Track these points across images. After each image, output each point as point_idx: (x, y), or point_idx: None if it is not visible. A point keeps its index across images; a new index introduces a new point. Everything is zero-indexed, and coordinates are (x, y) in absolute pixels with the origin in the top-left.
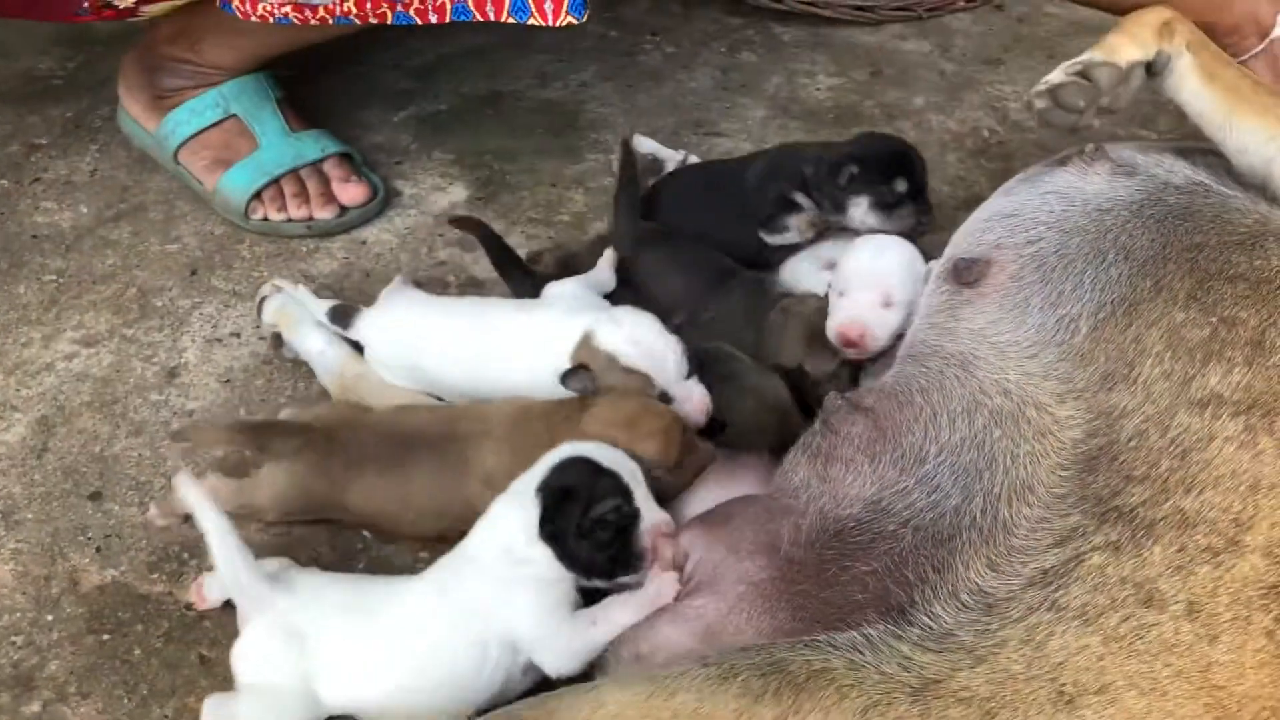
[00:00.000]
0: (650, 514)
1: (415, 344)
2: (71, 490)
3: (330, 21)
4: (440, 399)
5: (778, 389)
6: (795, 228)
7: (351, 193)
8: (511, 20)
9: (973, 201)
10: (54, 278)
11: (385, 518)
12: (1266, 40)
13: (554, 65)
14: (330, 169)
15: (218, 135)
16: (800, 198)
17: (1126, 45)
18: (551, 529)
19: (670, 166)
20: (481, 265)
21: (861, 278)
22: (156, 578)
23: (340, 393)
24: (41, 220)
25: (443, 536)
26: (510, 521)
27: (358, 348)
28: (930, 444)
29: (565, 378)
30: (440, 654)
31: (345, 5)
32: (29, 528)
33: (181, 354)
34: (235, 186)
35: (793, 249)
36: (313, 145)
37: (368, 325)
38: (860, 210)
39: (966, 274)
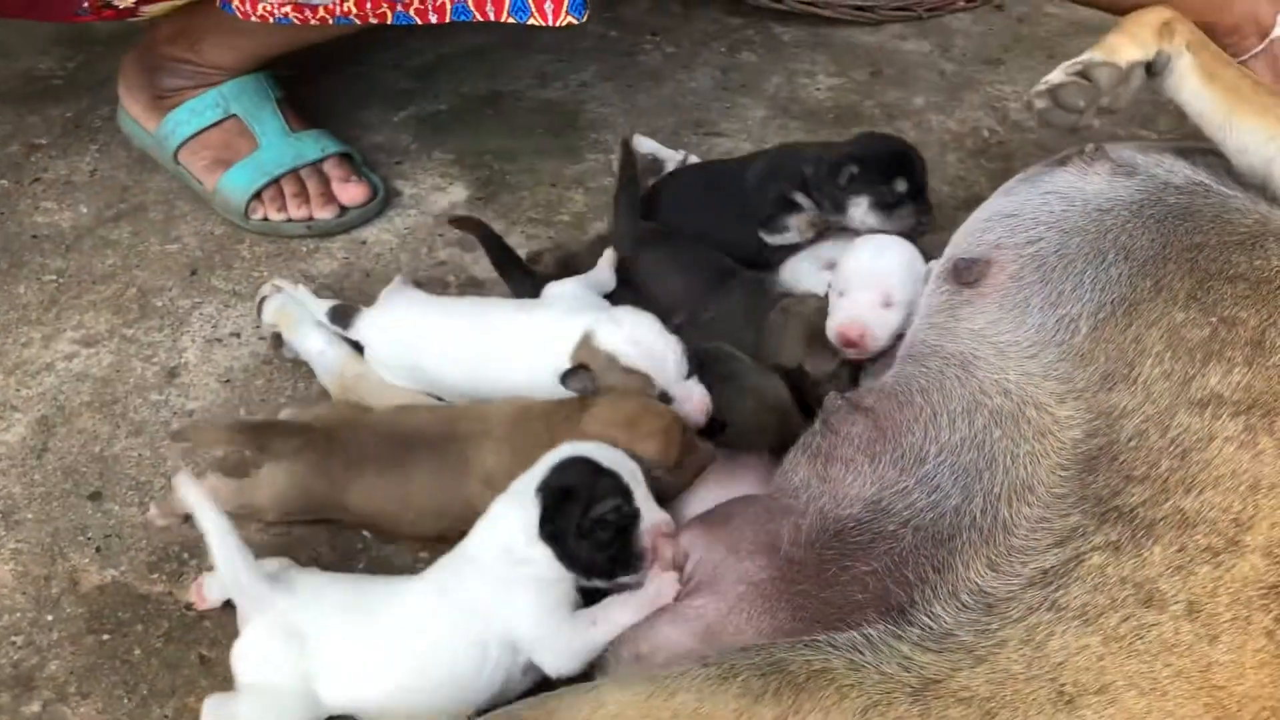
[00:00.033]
0: (650, 514)
1: (415, 344)
2: (71, 490)
3: (330, 22)
4: (440, 399)
5: (778, 389)
6: (795, 228)
7: (351, 193)
8: (511, 20)
9: (973, 201)
10: (54, 278)
11: (385, 518)
12: (1266, 40)
13: (554, 65)
14: (330, 169)
15: (218, 135)
16: (800, 197)
17: (1126, 45)
18: (551, 529)
19: (670, 166)
20: (481, 265)
21: (861, 278)
22: (156, 578)
23: (340, 393)
24: (41, 220)
25: (443, 537)
26: (510, 521)
27: (358, 348)
28: (930, 444)
29: (565, 378)
30: (440, 654)
31: (345, 5)
32: (29, 528)
33: (181, 354)
34: (235, 186)
35: (793, 249)
36: (313, 145)
37: (368, 325)
38: (860, 210)
39: (966, 274)
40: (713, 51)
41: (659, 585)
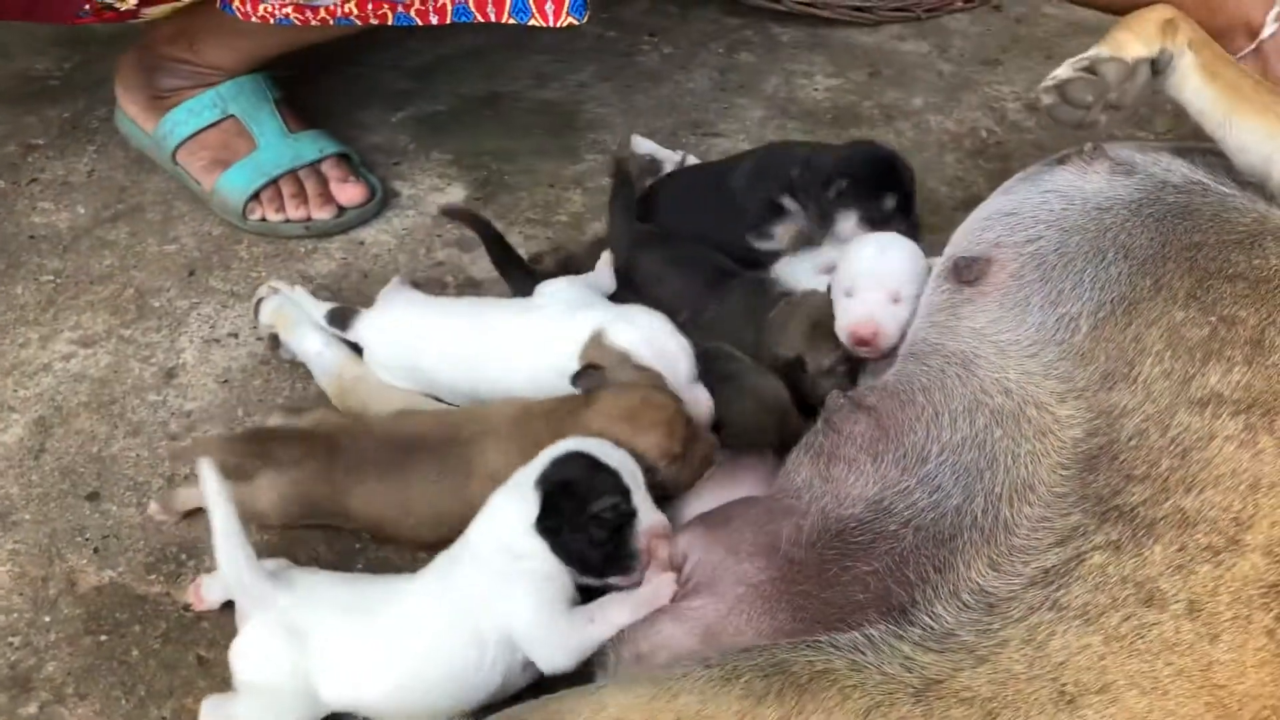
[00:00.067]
0: (647, 515)
1: (414, 344)
2: (69, 491)
3: (331, 23)
4: (439, 400)
5: (777, 389)
6: (780, 237)
7: (349, 193)
8: (512, 21)
9: (971, 202)
10: (51, 278)
11: (386, 523)
12: (1256, 41)
13: (552, 66)
14: (328, 169)
15: (216, 135)
16: (787, 201)
17: (1132, 41)
18: (548, 523)
19: (669, 167)
20: (479, 265)
21: (868, 276)
22: (154, 578)
23: (338, 394)
24: (39, 221)
25: (443, 542)
26: (508, 514)
27: (356, 349)
28: (932, 443)
29: (576, 378)
30: (439, 650)
31: (347, 6)
32: (26, 528)
33: (179, 354)
34: (233, 187)
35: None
36: (311, 146)
37: (366, 326)
38: (849, 225)
39: (967, 272)
40: (711, 52)
41: (656, 586)
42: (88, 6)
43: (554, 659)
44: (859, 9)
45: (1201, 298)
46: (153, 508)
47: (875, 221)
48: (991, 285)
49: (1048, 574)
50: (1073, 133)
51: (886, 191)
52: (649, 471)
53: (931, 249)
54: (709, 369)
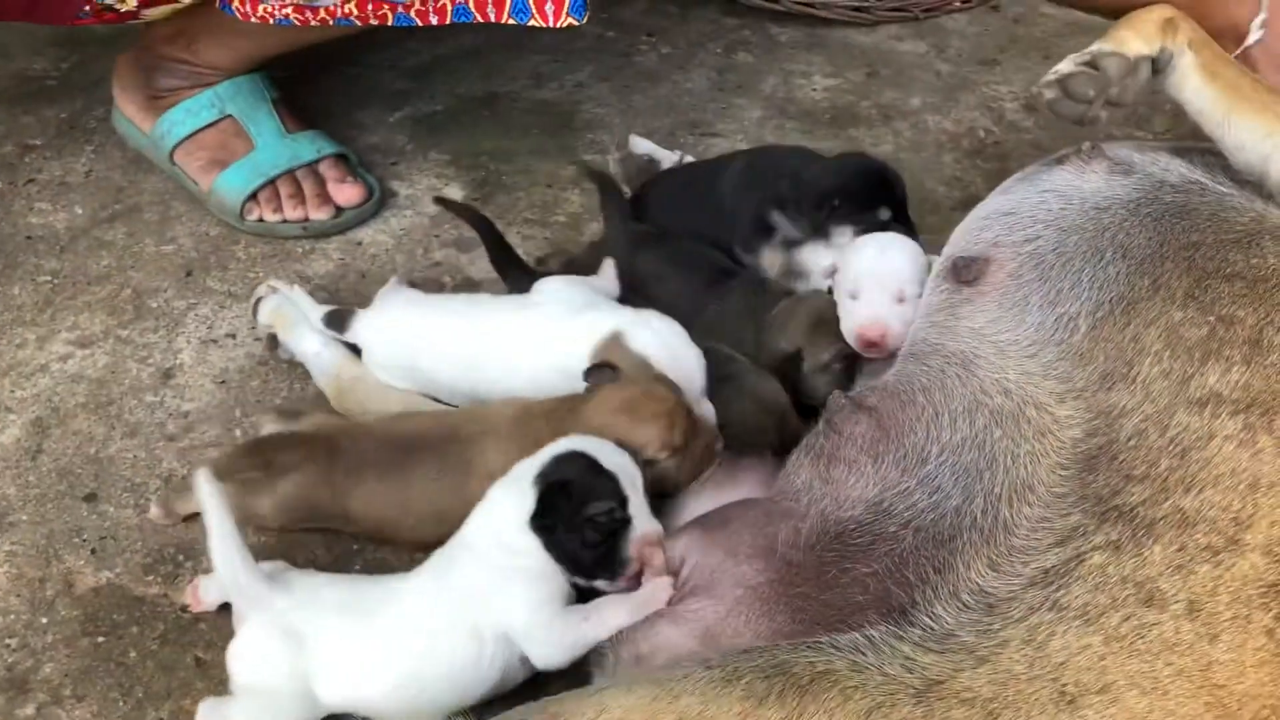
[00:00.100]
0: (642, 523)
1: (413, 343)
2: (66, 492)
3: (331, 23)
4: (439, 401)
5: (775, 390)
6: (769, 263)
7: (347, 193)
8: (512, 22)
9: (969, 202)
10: (49, 279)
11: (386, 524)
12: (1241, 47)
13: (550, 66)
14: (326, 170)
15: (213, 136)
16: (777, 218)
17: (1133, 39)
18: (543, 520)
19: (666, 167)
20: (477, 266)
21: (872, 277)
22: (152, 580)
23: (337, 395)
24: (36, 221)
25: (441, 543)
26: (506, 508)
27: (355, 350)
28: (932, 444)
29: (588, 374)
30: (438, 647)
31: (347, 7)
32: (23, 529)
33: (177, 355)
34: (231, 187)
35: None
36: (308, 146)
37: (364, 326)
38: (845, 240)
39: (965, 272)
40: (709, 52)
41: (653, 589)
42: (88, 8)
43: (548, 655)
44: (857, 9)
45: (1200, 297)
46: (154, 511)
47: (872, 231)
48: (990, 285)
49: (1047, 574)
50: (1072, 130)
51: (880, 204)
52: (648, 464)
53: (930, 249)
54: (707, 369)
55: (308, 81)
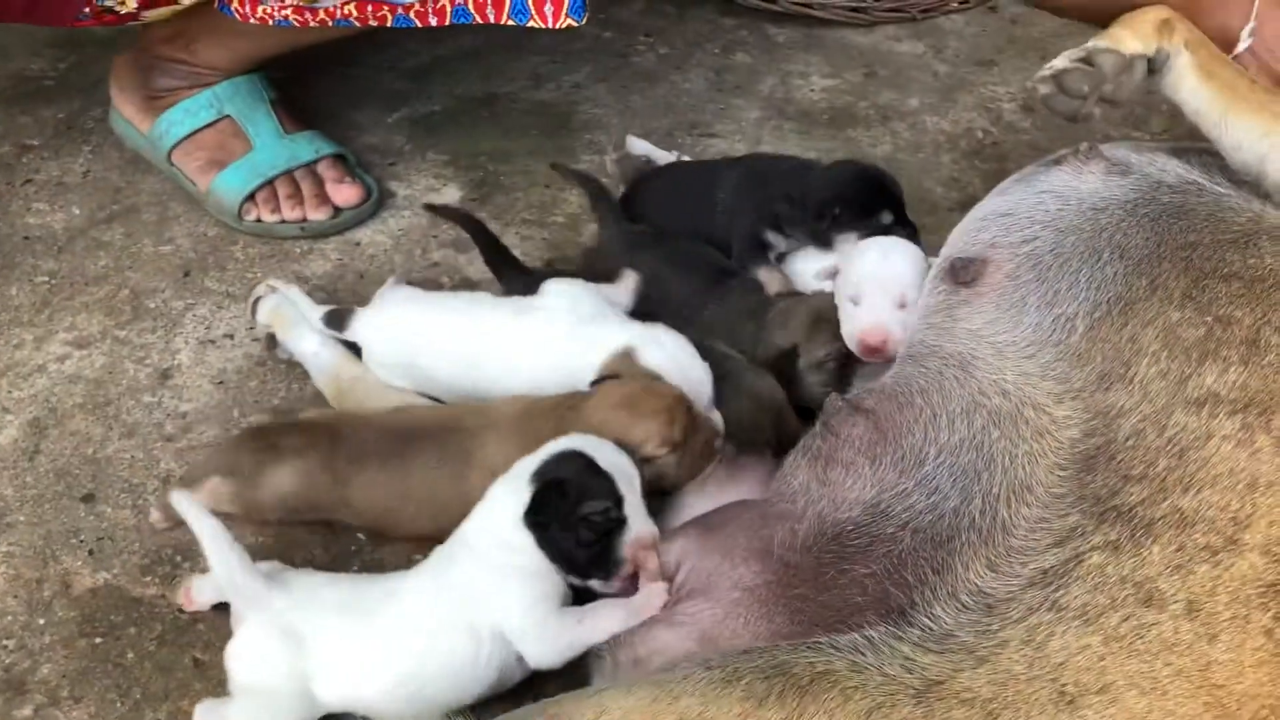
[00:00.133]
0: (637, 525)
1: (413, 342)
2: (64, 493)
3: (330, 24)
4: (438, 401)
5: (772, 388)
6: (764, 280)
7: (345, 194)
8: (511, 23)
9: (967, 202)
10: (46, 279)
11: (386, 514)
12: (1232, 55)
13: (548, 66)
14: (324, 170)
15: (211, 136)
16: (772, 236)
17: (1129, 37)
18: (537, 517)
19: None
20: (476, 266)
21: (874, 282)
22: (149, 580)
23: (336, 395)
24: (34, 221)
25: (439, 535)
26: (504, 504)
27: (354, 350)
28: (930, 445)
29: (595, 385)
30: (436, 645)
31: (346, 8)
32: (21, 530)
33: (174, 355)
34: (229, 188)
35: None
36: (307, 146)
37: (364, 325)
38: (848, 246)
39: (963, 273)
40: (706, 53)
41: (647, 594)
42: (87, 9)
43: (542, 654)
44: (854, 10)
45: (1197, 297)
46: (154, 516)
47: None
48: (988, 286)
49: (1046, 575)
50: (1069, 130)
51: (881, 209)
52: (647, 461)
53: (928, 250)
54: None
55: (306, 82)
